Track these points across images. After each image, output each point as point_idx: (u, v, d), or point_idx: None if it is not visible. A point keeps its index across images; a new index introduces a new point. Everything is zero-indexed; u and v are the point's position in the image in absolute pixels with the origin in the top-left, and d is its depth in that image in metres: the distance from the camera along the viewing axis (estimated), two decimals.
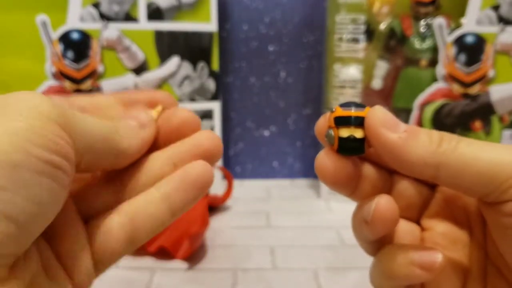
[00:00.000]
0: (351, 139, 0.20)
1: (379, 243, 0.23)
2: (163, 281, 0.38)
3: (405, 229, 0.23)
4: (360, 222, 0.22)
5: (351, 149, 0.21)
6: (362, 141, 0.20)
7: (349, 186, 0.22)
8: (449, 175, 0.19)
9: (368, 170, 0.23)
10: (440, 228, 0.23)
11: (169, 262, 0.41)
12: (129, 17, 0.53)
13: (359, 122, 0.20)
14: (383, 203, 0.21)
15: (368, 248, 0.24)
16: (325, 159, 0.21)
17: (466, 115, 0.55)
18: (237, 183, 0.62)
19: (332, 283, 0.38)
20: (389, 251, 0.22)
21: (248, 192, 0.60)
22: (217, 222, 0.50)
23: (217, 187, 0.57)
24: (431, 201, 0.23)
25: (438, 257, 0.20)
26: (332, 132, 0.21)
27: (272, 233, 0.47)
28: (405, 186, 0.23)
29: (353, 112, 0.20)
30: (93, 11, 0.52)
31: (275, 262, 0.42)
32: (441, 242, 0.22)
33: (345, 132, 0.20)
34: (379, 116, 0.19)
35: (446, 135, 0.19)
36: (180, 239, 0.42)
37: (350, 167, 0.21)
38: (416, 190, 0.23)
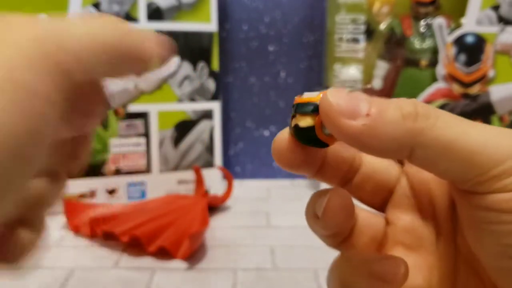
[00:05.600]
0: (297, 128, 0.18)
1: (338, 236, 0.21)
2: (163, 281, 0.38)
3: (368, 222, 0.21)
4: (311, 216, 0.20)
5: (304, 138, 0.18)
6: (310, 130, 0.18)
7: (307, 170, 0.20)
8: (425, 157, 0.16)
9: (333, 152, 0.21)
10: (404, 222, 0.21)
11: (169, 262, 0.41)
12: (129, 17, 0.53)
13: (311, 109, 0.18)
14: (336, 199, 0.19)
15: (327, 241, 0.22)
16: (280, 141, 0.19)
17: (466, 115, 0.55)
18: (237, 183, 0.62)
19: None
20: (348, 259, 0.20)
21: (248, 192, 0.60)
22: (217, 222, 0.50)
23: (217, 187, 0.57)
24: (397, 187, 0.21)
25: (400, 269, 0.18)
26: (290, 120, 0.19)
27: (272, 233, 0.47)
28: (372, 169, 0.21)
29: (304, 98, 0.18)
30: (93, 11, 0.52)
31: (275, 262, 0.42)
32: (405, 240, 0.21)
33: (296, 120, 0.18)
34: (332, 103, 0.16)
35: (420, 107, 0.16)
36: (180, 239, 0.42)
37: (304, 155, 0.19)
38: (384, 172, 0.21)
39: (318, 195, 0.20)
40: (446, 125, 0.16)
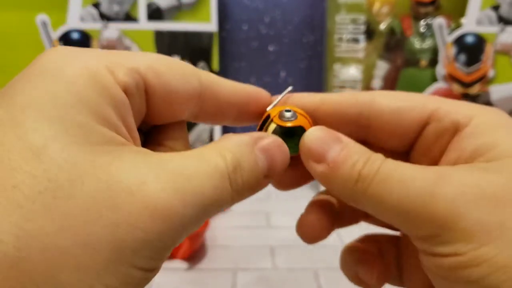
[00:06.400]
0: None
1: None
2: (163, 281, 0.38)
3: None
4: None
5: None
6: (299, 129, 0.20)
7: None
8: (369, 210, 0.17)
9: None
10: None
11: (169, 262, 0.41)
12: (129, 17, 0.53)
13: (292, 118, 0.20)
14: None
15: None
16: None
17: None
18: None
19: (332, 283, 0.38)
20: (343, 254, 0.24)
21: None
22: (217, 222, 0.50)
23: None
24: None
25: (373, 277, 0.22)
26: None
27: (272, 233, 0.47)
28: None
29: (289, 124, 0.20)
30: (93, 11, 0.52)
31: (275, 262, 0.42)
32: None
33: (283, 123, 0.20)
34: (306, 145, 0.18)
35: (366, 169, 0.17)
36: None
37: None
38: None
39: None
40: (378, 184, 0.16)
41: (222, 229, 0.48)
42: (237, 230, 0.48)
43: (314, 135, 0.18)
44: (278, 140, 0.18)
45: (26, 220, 0.12)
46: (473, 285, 0.15)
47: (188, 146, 0.21)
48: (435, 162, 0.19)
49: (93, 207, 0.13)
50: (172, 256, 0.41)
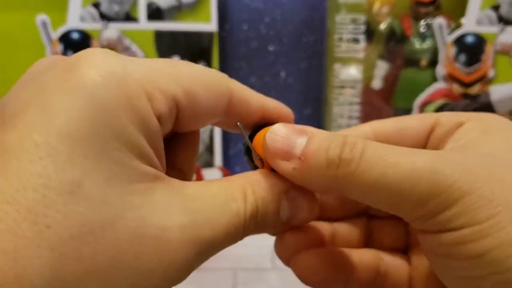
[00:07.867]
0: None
1: None
2: None
3: (393, 264, 0.22)
4: None
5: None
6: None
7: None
8: (353, 196, 0.17)
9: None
10: (426, 263, 0.21)
11: None
12: (129, 17, 0.53)
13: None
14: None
15: None
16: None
17: None
18: None
19: None
20: None
21: None
22: None
23: None
24: None
25: None
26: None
27: None
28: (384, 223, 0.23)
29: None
30: (93, 11, 0.52)
31: (275, 262, 0.41)
32: (431, 284, 0.21)
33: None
34: (267, 145, 0.17)
35: (346, 152, 0.16)
36: None
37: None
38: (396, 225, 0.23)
39: None
40: (369, 167, 0.16)
41: None
42: None
43: (275, 133, 0.17)
44: (310, 193, 0.18)
45: (57, 264, 0.13)
46: (475, 261, 0.14)
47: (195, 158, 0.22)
48: None
49: (119, 255, 0.14)
50: None
